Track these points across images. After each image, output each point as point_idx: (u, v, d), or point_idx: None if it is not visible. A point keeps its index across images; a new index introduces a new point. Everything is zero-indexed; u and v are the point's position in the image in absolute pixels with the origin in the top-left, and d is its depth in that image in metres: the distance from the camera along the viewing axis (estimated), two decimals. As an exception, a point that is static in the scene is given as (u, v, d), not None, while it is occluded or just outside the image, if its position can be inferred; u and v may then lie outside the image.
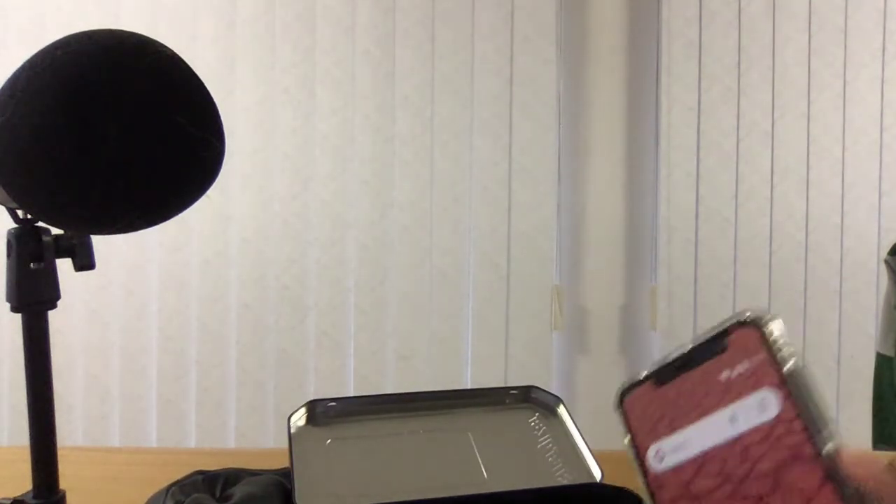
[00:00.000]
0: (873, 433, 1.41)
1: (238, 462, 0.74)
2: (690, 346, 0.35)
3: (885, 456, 0.99)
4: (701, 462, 0.32)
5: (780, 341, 0.32)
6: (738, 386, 0.32)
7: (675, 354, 0.35)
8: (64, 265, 0.60)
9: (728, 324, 0.33)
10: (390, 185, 1.95)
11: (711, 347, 0.34)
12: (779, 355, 0.32)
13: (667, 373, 0.35)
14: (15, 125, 0.46)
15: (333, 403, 0.72)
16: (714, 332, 0.34)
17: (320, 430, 0.70)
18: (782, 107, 1.93)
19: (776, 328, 0.32)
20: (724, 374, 0.33)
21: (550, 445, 0.69)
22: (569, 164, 1.99)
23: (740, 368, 0.32)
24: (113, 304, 1.97)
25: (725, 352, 0.33)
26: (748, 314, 0.33)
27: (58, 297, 0.60)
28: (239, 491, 0.68)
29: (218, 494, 0.69)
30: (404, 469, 0.66)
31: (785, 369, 0.31)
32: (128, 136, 0.47)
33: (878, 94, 1.92)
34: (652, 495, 0.34)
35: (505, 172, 1.95)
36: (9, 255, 0.58)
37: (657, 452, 0.34)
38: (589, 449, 0.68)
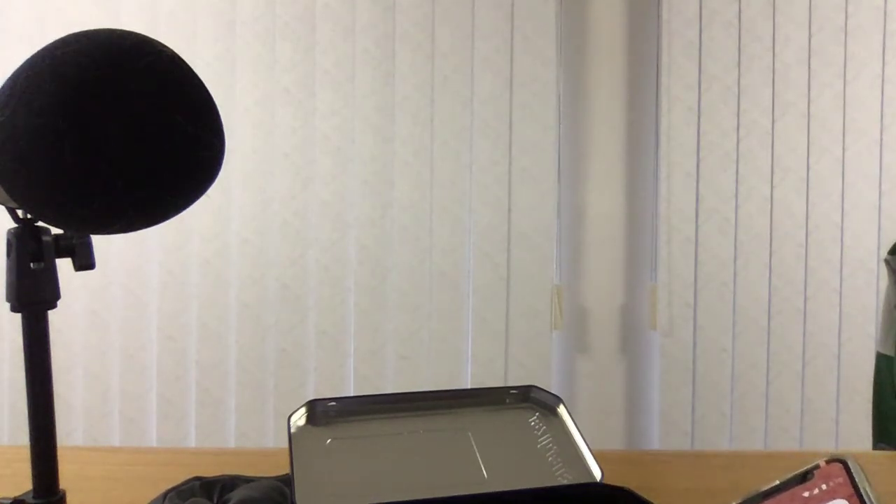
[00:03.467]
0: (873, 433, 1.41)
1: (237, 462, 0.74)
2: (780, 480, 0.42)
3: (884, 456, 1.00)
4: None
5: (863, 474, 0.40)
6: (816, 499, 0.40)
7: (764, 487, 0.42)
8: (64, 265, 0.60)
9: (819, 460, 0.41)
10: (390, 185, 1.95)
11: (801, 477, 0.42)
12: (858, 481, 0.40)
13: (755, 499, 0.42)
14: (15, 125, 0.46)
15: (333, 403, 0.72)
16: (806, 468, 0.42)
17: (320, 430, 0.69)
18: (782, 107, 1.93)
19: (859, 466, 0.41)
20: (806, 493, 0.41)
21: (550, 445, 0.69)
22: (569, 164, 1.99)
23: (821, 487, 0.40)
24: (113, 304, 1.97)
25: (812, 479, 0.41)
26: (840, 455, 0.41)
27: (58, 297, 0.60)
28: (237, 495, 0.68)
29: (215, 500, 0.69)
30: (404, 469, 0.66)
31: (862, 490, 0.39)
32: (127, 135, 0.47)
33: (878, 94, 1.92)
34: None
35: (505, 172, 1.95)
36: (9, 255, 0.58)
37: None
38: (589, 449, 0.68)
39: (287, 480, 0.70)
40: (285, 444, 0.67)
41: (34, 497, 0.61)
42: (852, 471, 0.41)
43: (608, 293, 2.01)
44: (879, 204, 1.93)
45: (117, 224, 0.50)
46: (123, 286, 1.97)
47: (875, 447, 1.39)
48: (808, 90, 1.92)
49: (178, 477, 0.72)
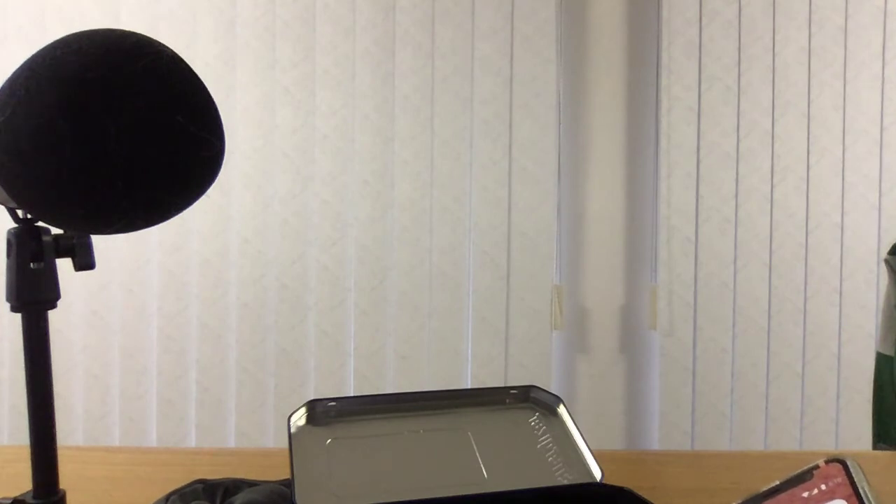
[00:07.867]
0: (873, 433, 1.41)
1: (237, 462, 0.74)
2: (780, 480, 0.43)
3: (884, 456, 1.00)
4: None
5: (862, 475, 0.41)
6: (815, 499, 0.41)
7: (764, 487, 0.43)
8: (64, 265, 0.60)
9: (818, 461, 0.42)
10: (390, 185, 1.95)
11: (800, 477, 0.42)
12: (857, 481, 0.40)
13: (755, 500, 0.43)
14: (15, 125, 0.46)
15: (333, 403, 0.72)
16: (805, 468, 0.42)
17: (320, 430, 0.70)
18: (782, 107, 1.93)
19: (858, 466, 0.41)
20: (806, 494, 0.42)
21: (550, 445, 0.69)
22: (569, 164, 1.99)
23: (821, 487, 0.41)
24: (113, 304, 1.97)
25: (811, 479, 0.42)
26: (839, 455, 0.42)
27: (58, 297, 0.60)
28: (240, 498, 0.68)
29: (218, 503, 0.69)
30: (404, 469, 0.66)
31: (861, 490, 0.40)
32: (128, 135, 0.47)
33: (878, 94, 1.92)
34: None
35: (505, 172, 1.95)
36: (9, 255, 0.58)
37: None
38: (589, 449, 0.68)
39: (288, 484, 0.70)
40: (285, 444, 0.67)
41: (34, 497, 0.61)
42: (851, 471, 0.41)
43: (608, 293, 2.01)
44: (879, 204, 1.93)
45: (117, 224, 0.50)
46: (123, 286, 1.96)
47: (875, 447, 1.39)
48: (808, 90, 1.92)
49: (178, 477, 0.72)
